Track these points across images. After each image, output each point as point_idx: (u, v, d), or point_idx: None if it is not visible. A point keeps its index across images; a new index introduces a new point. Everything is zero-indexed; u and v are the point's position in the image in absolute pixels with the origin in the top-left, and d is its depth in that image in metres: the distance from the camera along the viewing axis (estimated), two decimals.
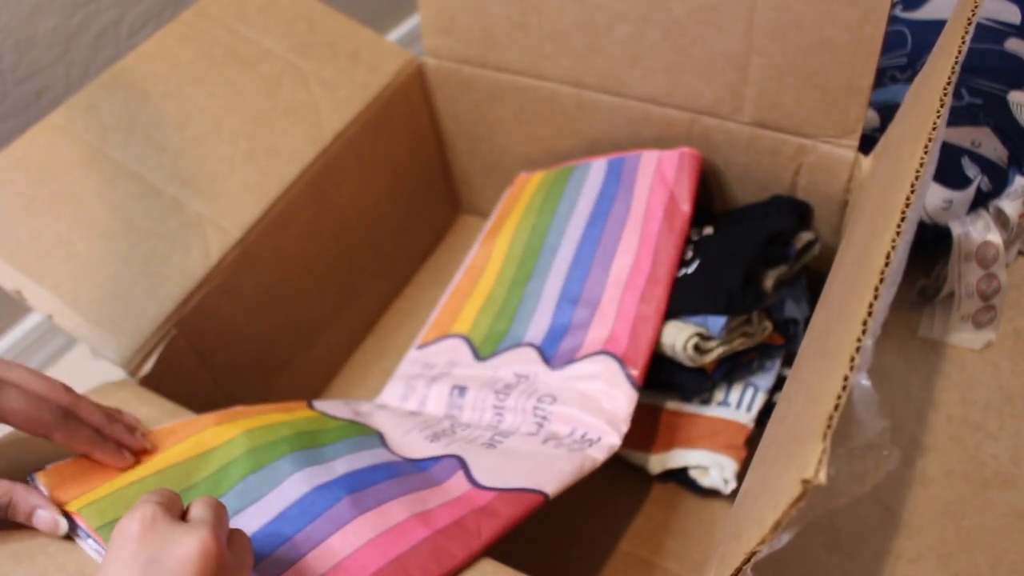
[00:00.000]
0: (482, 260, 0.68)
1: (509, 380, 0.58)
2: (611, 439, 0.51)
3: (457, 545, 0.41)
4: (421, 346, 0.66)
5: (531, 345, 0.59)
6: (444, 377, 0.60)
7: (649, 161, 0.65)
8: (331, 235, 0.67)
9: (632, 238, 0.61)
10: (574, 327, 0.58)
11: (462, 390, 0.58)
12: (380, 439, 0.51)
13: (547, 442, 0.51)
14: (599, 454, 0.49)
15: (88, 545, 0.39)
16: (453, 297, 0.67)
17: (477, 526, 0.43)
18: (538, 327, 0.60)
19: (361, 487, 0.44)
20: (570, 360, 0.56)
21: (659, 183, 0.63)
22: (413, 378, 0.62)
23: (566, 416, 0.53)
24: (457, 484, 0.46)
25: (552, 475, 0.47)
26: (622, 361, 0.54)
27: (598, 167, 0.67)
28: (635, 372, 0.54)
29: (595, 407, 0.53)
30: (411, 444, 0.51)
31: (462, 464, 0.48)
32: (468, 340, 0.63)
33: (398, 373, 0.65)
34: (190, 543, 0.32)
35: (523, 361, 0.59)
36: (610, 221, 0.63)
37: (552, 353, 0.58)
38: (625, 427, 0.51)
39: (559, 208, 0.66)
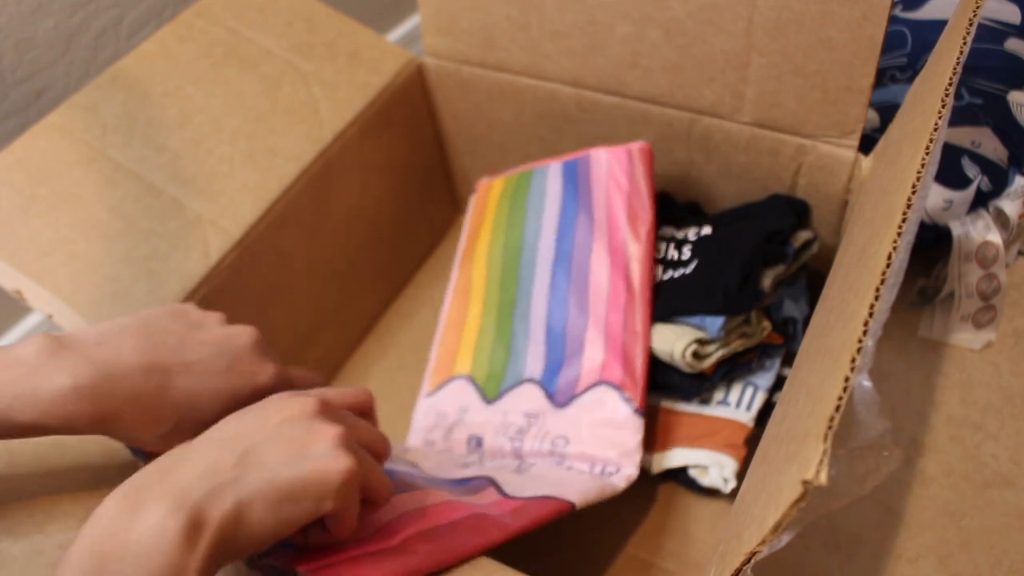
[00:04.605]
0: (464, 284, 0.68)
1: (520, 424, 0.59)
2: (628, 470, 0.53)
3: (493, 524, 0.43)
4: (429, 394, 0.65)
5: (532, 381, 0.60)
6: (458, 426, 0.61)
7: (599, 163, 0.64)
8: (331, 235, 0.67)
9: (602, 253, 0.61)
10: (568, 356, 0.59)
11: (479, 440, 0.59)
12: (413, 465, 0.54)
13: (570, 470, 0.54)
14: (620, 483, 0.52)
15: None
16: (447, 332, 0.67)
17: (507, 518, 0.45)
18: (535, 359, 0.61)
19: (404, 489, 0.45)
20: (572, 395, 0.58)
21: (615, 188, 0.63)
22: (429, 430, 0.63)
23: (582, 455, 0.55)
24: (489, 495, 0.48)
25: (578, 490, 0.49)
26: (620, 388, 0.56)
27: (554, 172, 0.67)
28: (635, 399, 0.55)
29: (607, 442, 0.54)
30: (443, 468, 0.53)
31: (493, 483, 0.50)
32: (472, 380, 0.63)
33: (414, 427, 0.65)
34: (338, 464, 0.34)
35: (529, 399, 0.59)
36: (577, 234, 0.63)
37: (553, 388, 0.59)
38: (639, 456, 0.54)
39: (526, 222, 0.66)
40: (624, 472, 0.53)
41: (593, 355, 0.58)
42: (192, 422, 0.38)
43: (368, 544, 0.39)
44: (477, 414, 0.61)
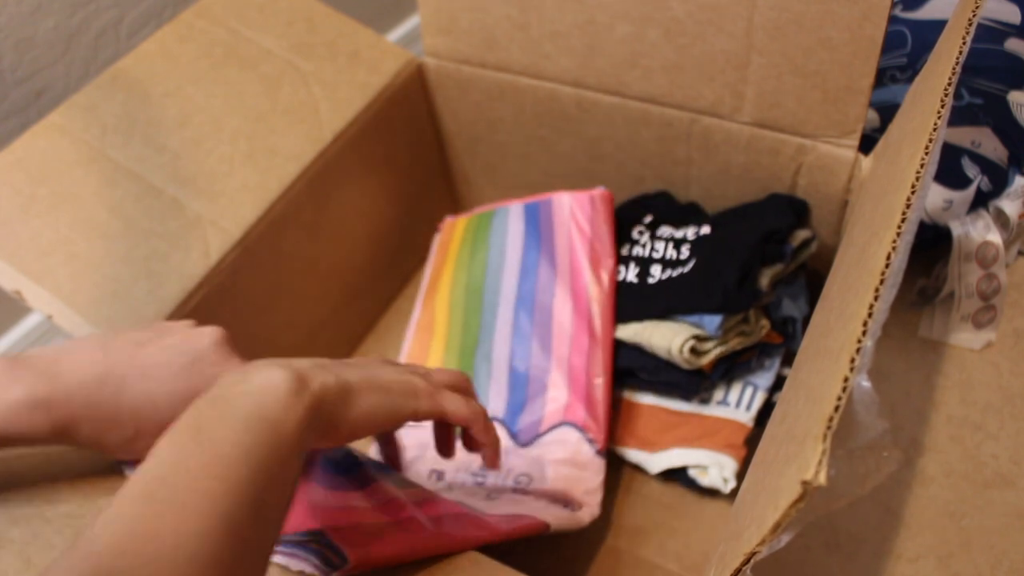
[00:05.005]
0: (427, 321, 0.69)
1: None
2: (590, 510, 0.53)
3: (483, 521, 0.44)
4: None
5: (495, 419, 0.60)
6: (419, 460, 0.61)
7: (561, 207, 0.66)
8: (331, 235, 0.67)
9: (564, 296, 0.62)
10: (531, 396, 0.60)
11: (440, 475, 0.59)
12: None
13: (538, 500, 0.54)
14: (584, 518, 0.53)
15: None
16: None
17: (492, 520, 0.45)
18: (497, 399, 0.61)
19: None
20: (535, 435, 0.58)
21: (577, 232, 0.64)
22: None
23: (545, 492, 0.55)
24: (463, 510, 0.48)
25: (549, 514, 0.49)
26: (583, 430, 0.56)
27: (516, 213, 0.68)
28: (598, 440, 0.56)
29: (570, 482, 0.55)
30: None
31: (464, 505, 0.50)
32: None
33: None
34: (415, 378, 0.41)
35: None
36: (540, 276, 0.64)
37: (516, 428, 0.59)
38: (599, 496, 0.54)
39: (488, 263, 0.67)
40: (587, 510, 0.53)
41: (556, 396, 0.58)
42: (154, 423, 0.38)
43: (384, 513, 0.41)
44: None
